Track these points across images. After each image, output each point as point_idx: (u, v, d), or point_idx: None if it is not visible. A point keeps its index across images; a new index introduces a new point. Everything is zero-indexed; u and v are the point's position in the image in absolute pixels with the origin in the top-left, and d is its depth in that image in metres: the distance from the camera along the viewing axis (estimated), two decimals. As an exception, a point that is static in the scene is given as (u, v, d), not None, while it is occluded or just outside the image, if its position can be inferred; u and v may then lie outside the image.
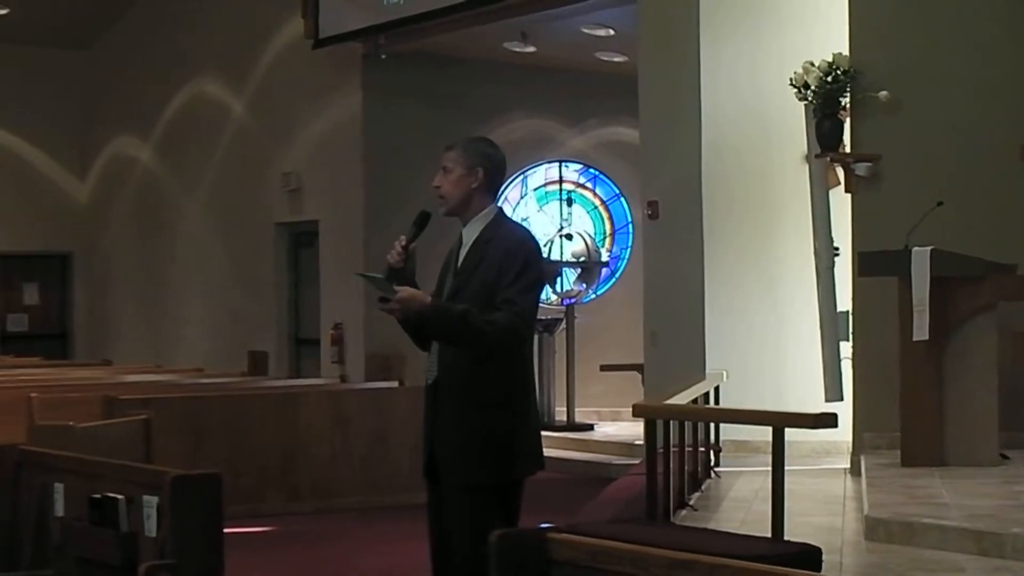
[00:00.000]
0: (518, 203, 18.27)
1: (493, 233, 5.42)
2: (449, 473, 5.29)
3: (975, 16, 11.08)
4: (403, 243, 5.44)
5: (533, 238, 5.53)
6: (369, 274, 5.42)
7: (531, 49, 16.48)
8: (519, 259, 5.35)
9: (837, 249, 11.40)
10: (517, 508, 5.40)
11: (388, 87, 17.23)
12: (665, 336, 12.67)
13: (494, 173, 5.48)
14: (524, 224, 6.25)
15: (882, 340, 10.44)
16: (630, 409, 8.24)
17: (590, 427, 16.62)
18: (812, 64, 11.11)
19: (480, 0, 15.02)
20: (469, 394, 5.28)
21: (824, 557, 6.04)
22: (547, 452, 5.57)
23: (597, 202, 18.75)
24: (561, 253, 17.61)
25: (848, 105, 11.13)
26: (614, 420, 17.03)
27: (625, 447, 14.78)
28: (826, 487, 10.29)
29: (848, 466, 10.93)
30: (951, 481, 9.08)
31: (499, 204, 5.61)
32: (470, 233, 5.48)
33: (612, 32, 15.78)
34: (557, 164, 18.46)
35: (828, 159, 11.28)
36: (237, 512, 9.80)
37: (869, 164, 11.00)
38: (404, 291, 5.26)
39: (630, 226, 18.48)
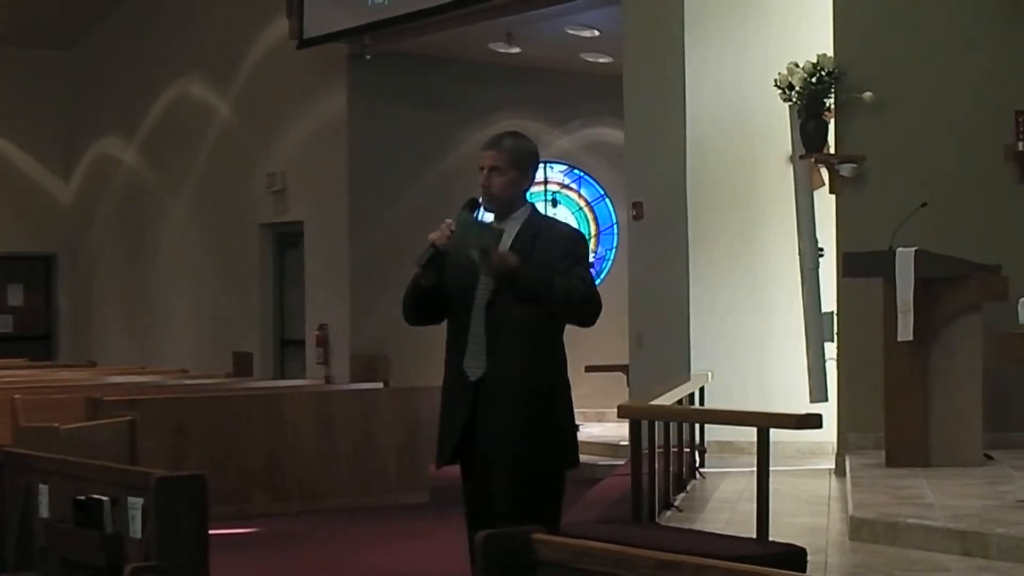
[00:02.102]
0: (503, 204, 18.25)
1: (538, 228, 5.42)
2: (506, 463, 5.27)
3: (959, 17, 11.10)
4: (451, 227, 5.35)
5: (580, 231, 5.58)
6: (480, 221, 5.35)
7: (516, 50, 16.48)
8: (577, 248, 5.42)
9: (822, 250, 11.42)
10: (562, 498, 5.43)
11: (373, 88, 17.22)
12: (650, 337, 12.68)
13: (536, 172, 5.56)
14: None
15: (867, 341, 10.45)
16: (615, 410, 8.23)
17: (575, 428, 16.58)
18: (797, 65, 11.12)
19: (465, 1, 15.01)
20: (525, 385, 5.30)
21: (809, 557, 6.05)
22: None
23: (582, 203, 18.76)
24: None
25: (832, 106, 11.15)
26: (599, 421, 17.03)
27: (610, 448, 14.78)
28: (811, 488, 10.30)
29: (833, 467, 10.95)
30: (935, 481, 9.10)
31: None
32: (510, 229, 5.43)
33: (597, 33, 15.79)
34: (542, 165, 18.47)
35: (812, 160, 11.29)
36: (222, 513, 9.78)
37: (854, 165, 11.02)
38: (502, 250, 5.23)
39: (615, 227, 18.49)
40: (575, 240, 5.46)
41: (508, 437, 5.29)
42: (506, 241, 5.39)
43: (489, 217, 5.51)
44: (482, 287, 5.35)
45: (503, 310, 5.29)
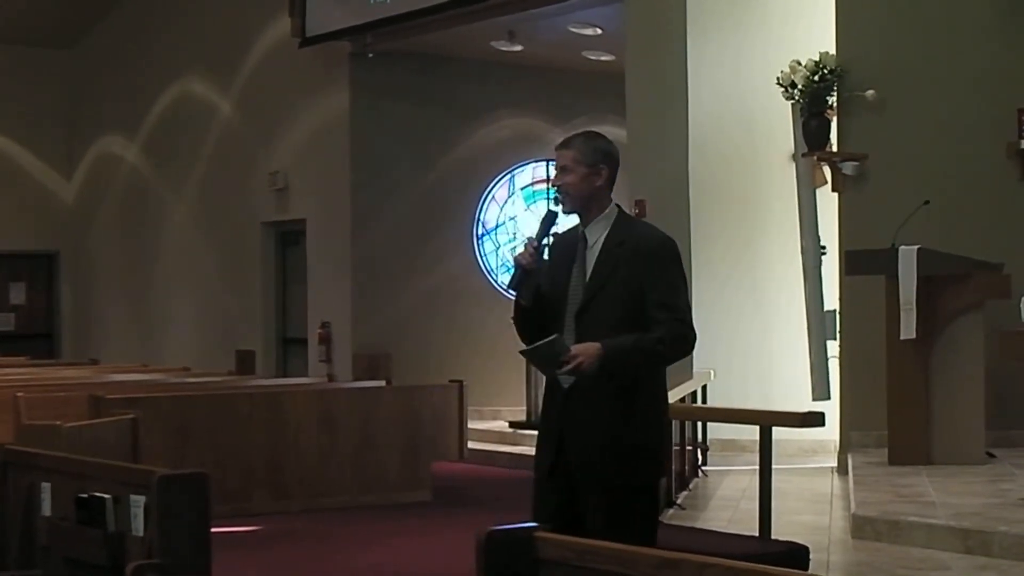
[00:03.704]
0: (505, 202, 18.27)
1: (625, 234, 5.27)
2: (597, 475, 5.17)
3: (961, 15, 11.11)
4: (535, 244, 5.26)
5: (670, 237, 5.37)
6: (536, 344, 5.13)
7: (518, 48, 16.48)
8: (664, 261, 5.24)
9: (824, 248, 11.43)
10: (656, 511, 5.37)
11: (375, 86, 17.22)
12: (652, 335, 12.65)
13: (615, 171, 5.37)
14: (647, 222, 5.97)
15: (869, 339, 10.46)
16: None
17: (578, 426, 16.59)
18: (799, 63, 11.13)
19: (467, -1, 15.03)
20: (621, 396, 5.17)
21: (811, 556, 6.05)
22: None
23: (584, 201, 18.74)
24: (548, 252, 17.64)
25: (835, 104, 11.16)
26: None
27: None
28: (813, 486, 10.31)
29: (835, 465, 10.95)
30: (938, 479, 9.11)
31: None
32: (594, 233, 5.30)
33: (599, 31, 15.79)
34: (544, 163, 18.45)
35: (815, 158, 11.30)
36: (224, 511, 9.78)
37: (856, 163, 11.02)
38: (576, 347, 5.07)
39: (617, 225, 18.47)
40: (664, 254, 5.25)
41: (594, 449, 5.19)
42: (593, 247, 5.29)
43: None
44: (572, 296, 5.27)
45: (594, 319, 5.18)
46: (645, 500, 5.26)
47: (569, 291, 5.28)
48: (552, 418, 5.31)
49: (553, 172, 5.44)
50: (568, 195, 5.33)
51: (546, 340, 5.12)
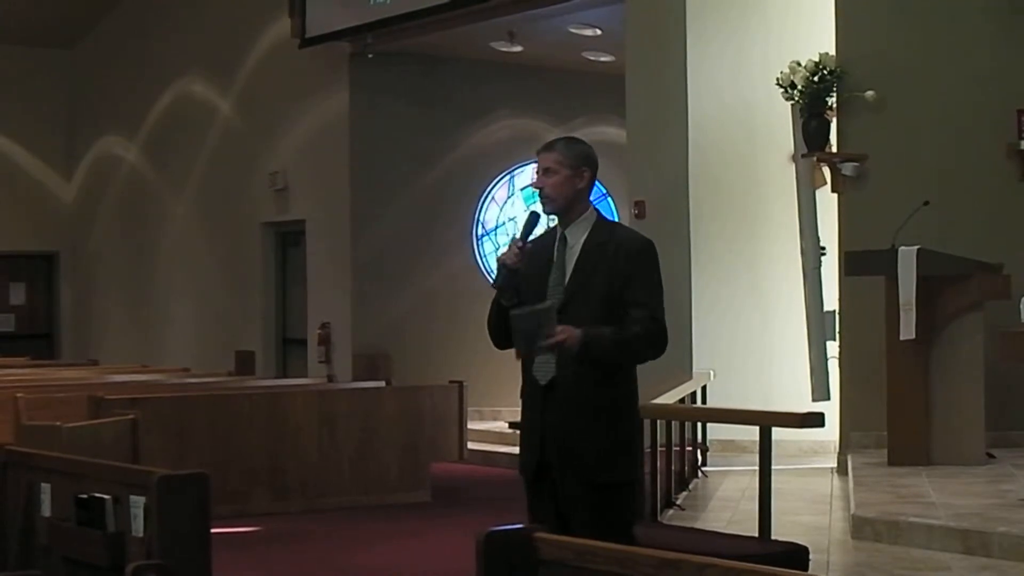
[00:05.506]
0: (505, 202, 18.27)
1: (607, 236, 5.33)
2: (579, 472, 5.21)
3: (961, 16, 11.11)
4: (519, 244, 5.30)
5: (651, 240, 5.44)
6: (533, 308, 5.18)
7: (518, 49, 16.48)
8: (647, 262, 5.32)
9: (824, 249, 11.43)
10: (632, 508, 5.41)
11: (375, 86, 17.22)
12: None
13: (595, 174, 5.44)
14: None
15: (869, 339, 10.46)
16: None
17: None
18: (799, 64, 11.13)
19: (467, 0, 15.02)
20: (598, 393, 5.24)
21: (811, 556, 6.05)
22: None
23: (584, 201, 18.73)
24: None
25: (834, 105, 11.16)
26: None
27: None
28: (813, 486, 10.31)
29: (835, 465, 10.95)
30: (938, 480, 9.11)
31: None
32: (575, 235, 5.36)
33: (599, 32, 15.79)
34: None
35: (814, 159, 11.30)
36: (224, 512, 9.79)
37: (855, 164, 11.03)
38: (562, 328, 5.12)
39: (617, 226, 18.46)
40: (647, 256, 5.34)
41: (575, 446, 5.22)
42: (573, 248, 5.33)
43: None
44: (551, 296, 5.29)
45: (573, 318, 5.20)
46: (627, 495, 5.32)
47: (548, 291, 5.32)
48: (533, 418, 5.36)
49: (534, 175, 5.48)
50: (550, 197, 5.39)
51: (541, 306, 5.17)
